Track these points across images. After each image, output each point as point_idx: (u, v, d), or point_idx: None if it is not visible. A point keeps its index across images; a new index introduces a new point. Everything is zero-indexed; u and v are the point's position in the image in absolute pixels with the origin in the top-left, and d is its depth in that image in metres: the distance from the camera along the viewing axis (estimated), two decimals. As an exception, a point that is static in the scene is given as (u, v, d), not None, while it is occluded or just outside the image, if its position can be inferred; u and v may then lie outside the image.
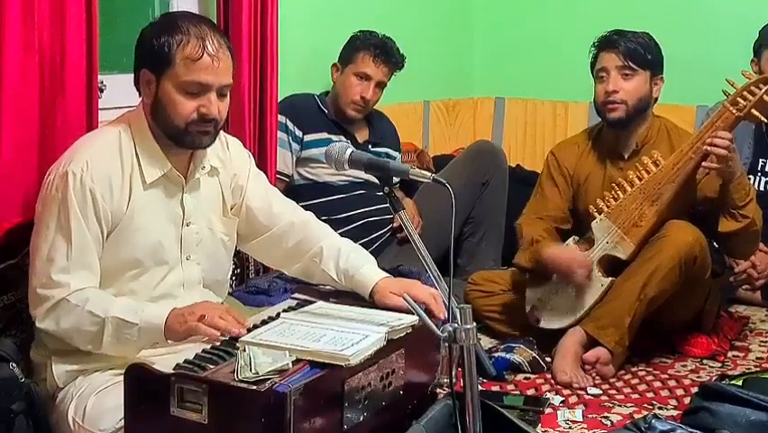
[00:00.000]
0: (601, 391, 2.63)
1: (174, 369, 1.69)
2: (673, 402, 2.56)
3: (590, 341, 2.77)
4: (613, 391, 2.64)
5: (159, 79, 1.98)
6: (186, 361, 1.72)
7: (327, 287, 2.23)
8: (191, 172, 2.09)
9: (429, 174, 1.94)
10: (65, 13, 2.23)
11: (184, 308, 1.91)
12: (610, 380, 2.71)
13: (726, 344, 2.97)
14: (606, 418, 2.45)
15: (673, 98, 3.41)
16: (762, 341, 3.08)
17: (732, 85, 2.75)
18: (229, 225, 2.20)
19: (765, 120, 2.81)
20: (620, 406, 2.53)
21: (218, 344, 1.81)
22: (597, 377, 2.72)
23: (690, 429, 2.07)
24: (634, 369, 2.81)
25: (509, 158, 3.86)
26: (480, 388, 2.16)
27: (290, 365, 1.69)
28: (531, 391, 2.64)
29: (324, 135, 3.27)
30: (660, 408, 2.51)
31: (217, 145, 2.15)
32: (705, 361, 2.87)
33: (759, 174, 3.45)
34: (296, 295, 2.18)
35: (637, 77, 2.89)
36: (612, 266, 2.84)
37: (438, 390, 2.07)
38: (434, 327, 1.67)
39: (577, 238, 2.95)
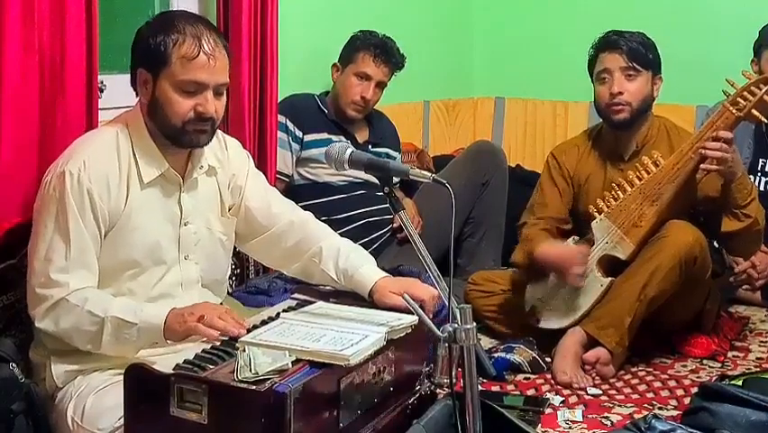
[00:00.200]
0: (601, 392, 2.63)
1: (174, 369, 1.68)
2: (673, 402, 2.56)
3: (590, 341, 2.77)
4: (613, 392, 2.64)
5: (155, 79, 1.98)
6: (185, 361, 1.72)
7: (327, 287, 2.23)
8: (189, 172, 2.09)
9: (429, 174, 1.94)
10: (65, 13, 2.23)
11: (183, 308, 1.91)
12: (610, 380, 2.71)
13: (726, 344, 2.97)
14: (606, 418, 2.45)
15: (673, 98, 3.42)
16: (762, 341, 3.08)
17: (732, 85, 2.75)
18: (227, 225, 2.20)
19: (765, 120, 2.81)
20: (620, 406, 2.53)
21: (218, 344, 1.81)
22: (597, 377, 2.72)
23: (690, 429, 2.07)
24: (634, 369, 2.81)
25: (509, 158, 3.86)
26: (479, 388, 2.16)
27: (290, 365, 1.69)
28: (531, 392, 2.64)
29: (324, 135, 3.27)
30: (660, 408, 2.51)
31: (215, 145, 2.15)
32: (705, 361, 2.88)
33: (759, 174, 3.45)
34: (295, 295, 2.18)
35: (640, 77, 2.89)
36: (612, 266, 2.84)
37: (438, 390, 2.07)
38: (434, 327, 1.67)
39: (577, 238, 2.95)
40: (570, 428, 2.39)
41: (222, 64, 2.00)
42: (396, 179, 2.94)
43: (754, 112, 2.72)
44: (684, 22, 4.01)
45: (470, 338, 1.63)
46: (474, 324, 1.65)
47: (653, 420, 2.07)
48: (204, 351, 1.77)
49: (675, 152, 2.82)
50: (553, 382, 2.70)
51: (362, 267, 2.16)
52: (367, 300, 2.11)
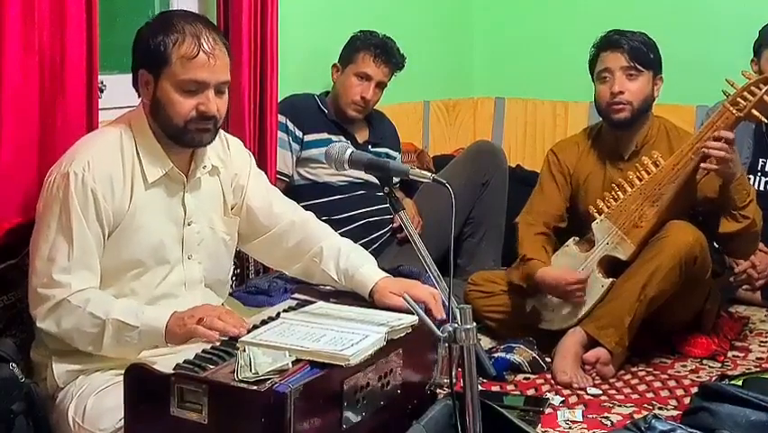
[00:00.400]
0: (601, 392, 2.63)
1: (174, 369, 1.68)
2: (673, 402, 2.56)
3: (590, 341, 2.77)
4: (613, 392, 2.64)
5: (156, 79, 1.98)
6: (186, 361, 1.72)
7: (327, 287, 2.23)
8: (192, 171, 2.09)
9: (429, 174, 1.94)
10: (65, 13, 2.23)
11: (184, 311, 1.91)
12: (610, 380, 2.71)
13: (726, 344, 2.97)
14: (606, 418, 2.45)
15: (673, 98, 3.42)
16: (762, 341, 3.08)
17: (732, 85, 2.75)
18: (230, 225, 2.20)
19: (765, 120, 2.81)
20: (620, 406, 2.53)
21: (218, 344, 1.81)
22: (597, 377, 2.72)
23: (689, 429, 2.07)
24: (634, 369, 2.81)
25: (509, 158, 3.86)
26: (479, 388, 2.16)
27: (290, 365, 1.69)
28: (531, 392, 2.64)
29: (325, 135, 3.27)
30: (660, 408, 2.51)
31: (218, 145, 2.15)
32: (705, 361, 2.87)
33: (759, 174, 3.45)
34: (296, 295, 2.18)
35: (642, 77, 2.88)
36: (612, 267, 2.84)
37: (438, 390, 2.07)
38: (434, 327, 1.67)
39: (577, 239, 2.95)
40: (570, 428, 2.39)
41: (222, 62, 2.00)
42: (396, 180, 2.94)
43: (754, 112, 2.72)
44: (684, 22, 4.01)
45: (470, 338, 1.63)
46: (474, 324, 1.65)
47: (653, 420, 2.07)
48: (204, 351, 1.77)
49: (675, 153, 2.82)
50: (553, 382, 2.70)
51: (363, 267, 2.17)
52: (367, 300, 2.11)
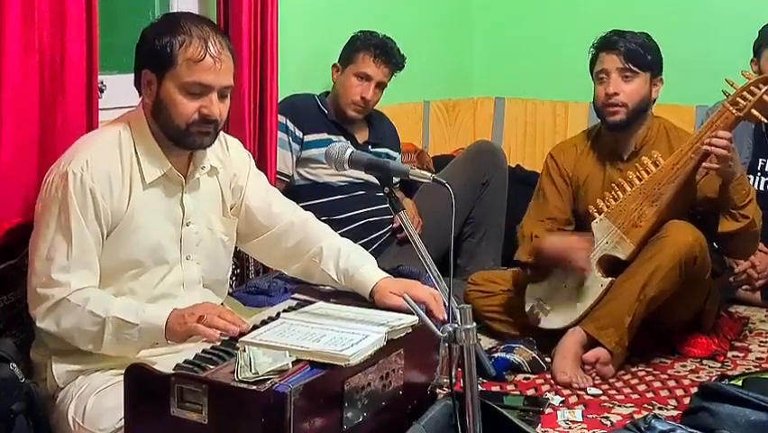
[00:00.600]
0: (601, 392, 2.63)
1: (174, 369, 1.69)
2: (673, 402, 2.56)
3: (590, 341, 2.77)
4: (613, 392, 2.64)
5: (160, 80, 1.98)
6: (186, 361, 1.72)
7: (327, 287, 2.23)
8: (191, 172, 2.09)
9: (429, 174, 1.94)
10: (65, 13, 2.23)
11: (185, 309, 1.91)
12: (610, 380, 2.71)
13: (725, 344, 2.97)
14: (606, 418, 2.45)
15: (673, 98, 3.42)
16: (762, 341, 3.08)
17: (732, 85, 2.75)
18: (229, 225, 2.20)
19: (765, 120, 2.81)
20: (620, 406, 2.53)
21: (218, 344, 1.81)
22: (596, 377, 2.72)
23: (689, 429, 2.07)
24: (634, 369, 2.81)
25: (509, 158, 3.86)
26: (480, 388, 2.16)
27: (290, 365, 1.69)
28: (531, 392, 2.64)
29: (324, 136, 3.27)
30: (660, 408, 2.51)
31: (217, 146, 2.15)
32: (705, 361, 2.87)
33: (759, 174, 3.45)
34: (296, 295, 2.18)
35: (638, 79, 2.88)
36: (612, 266, 2.84)
37: (438, 390, 2.07)
38: (434, 328, 1.67)
39: (578, 236, 2.94)
40: (570, 428, 2.39)
41: (227, 66, 2.00)
42: (396, 180, 2.94)
43: (754, 112, 2.72)
44: (684, 22, 4.01)
45: (470, 338, 1.63)
46: (474, 324, 1.65)
47: (652, 420, 2.07)
48: (204, 351, 1.77)
49: (675, 152, 2.82)
50: (552, 382, 2.70)
51: (363, 267, 2.17)
52: (367, 301, 2.11)
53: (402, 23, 3.84)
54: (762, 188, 3.42)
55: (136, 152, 2.02)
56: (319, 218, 2.32)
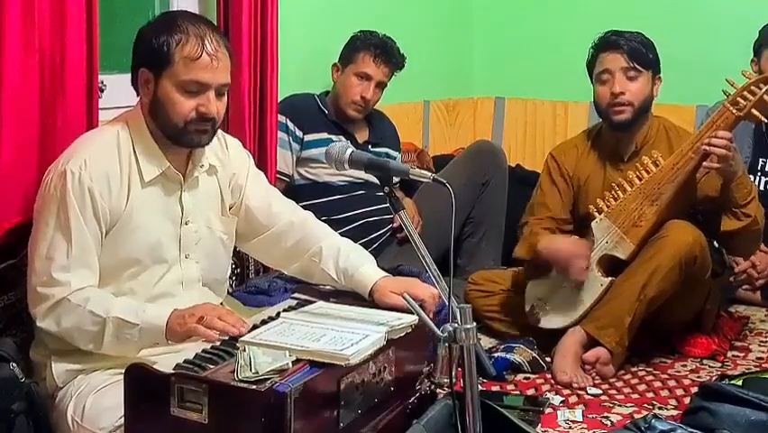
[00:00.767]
0: (601, 391, 2.63)
1: (174, 369, 1.69)
2: (673, 402, 2.56)
3: (590, 341, 2.77)
4: (613, 391, 2.64)
5: (157, 78, 1.98)
6: (186, 361, 1.72)
7: (327, 287, 2.23)
8: (190, 171, 2.09)
9: (429, 174, 1.94)
10: (65, 13, 2.23)
11: (185, 309, 1.91)
12: (610, 380, 2.71)
13: (726, 344, 2.97)
14: (606, 418, 2.45)
15: (673, 98, 3.42)
16: (762, 341, 3.08)
17: (732, 85, 2.75)
18: (228, 224, 2.21)
19: (765, 120, 2.81)
20: (620, 406, 2.53)
21: (218, 344, 1.81)
22: (597, 377, 2.72)
23: (690, 429, 2.07)
24: (634, 369, 2.81)
25: (509, 158, 3.86)
26: (480, 388, 2.16)
27: (290, 365, 1.69)
28: (531, 391, 2.64)
29: (325, 135, 3.27)
30: (660, 408, 2.51)
31: (216, 144, 2.15)
32: (705, 361, 2.88)
33: (759, 174, 3.45)
34: (296, 295, 2.18)
35: (641, 77, 2.88)
36: (612, 266, 2.84)
37: (438, 390, 2.07)
38: (434, 327, 1.67)
39: (577, 238, 2.94)
40: (570, 428, 2.39)
41: (224, 64, 2.00)
42: (396, 179, 2.94)
43: (754, 111, 2.72)
44: (684, 22, 4.01)
45: (470, 338, 1.64)
46: (474, 324, 1.65)
47: (653, 420, 2.07)
48: (204, 351, 1.78)
49: (675, 152, 2.82)
50: (553, 381, 2.70)
51: (363, 266, 2.17)
52: (367, 300, 2.11)
53: (402, 23, 3.84)
54: (762, 187, 3.42)
55: (134, 151, 2.02)
56: (319, 218, 2.32)
